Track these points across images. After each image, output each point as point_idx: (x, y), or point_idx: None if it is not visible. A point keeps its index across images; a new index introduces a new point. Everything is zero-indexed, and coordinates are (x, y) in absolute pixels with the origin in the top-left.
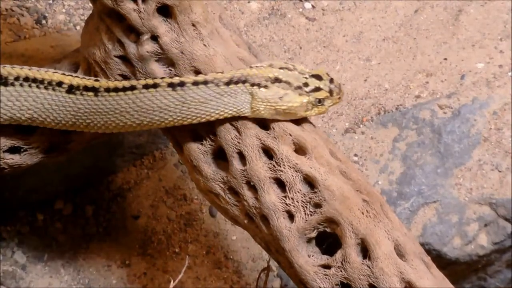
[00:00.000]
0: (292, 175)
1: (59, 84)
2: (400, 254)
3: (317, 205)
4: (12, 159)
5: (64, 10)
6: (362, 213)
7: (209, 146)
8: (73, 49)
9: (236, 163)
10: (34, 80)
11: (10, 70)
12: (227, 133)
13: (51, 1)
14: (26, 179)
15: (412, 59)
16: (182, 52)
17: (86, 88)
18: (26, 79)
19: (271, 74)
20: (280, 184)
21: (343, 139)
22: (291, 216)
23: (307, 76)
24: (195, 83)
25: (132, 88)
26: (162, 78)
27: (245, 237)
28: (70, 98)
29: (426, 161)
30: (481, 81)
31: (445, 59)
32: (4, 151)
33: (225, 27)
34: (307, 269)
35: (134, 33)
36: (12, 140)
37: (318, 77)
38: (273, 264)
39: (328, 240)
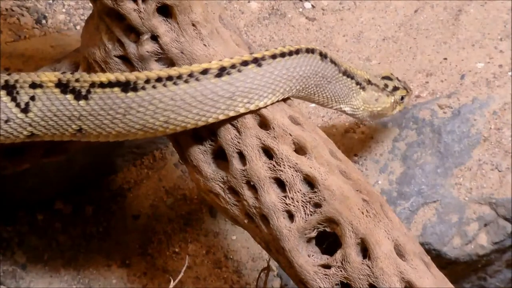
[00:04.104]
0: (292, 175)
1: (204, 72)
2: (400, 254)
3: (317, 205)
4: (12, 159)
5: (64, 10)
6: (362, 212)
7: (209, 146)
8: (73, 49)
9: (236, 163)
10: (169, 78)
11: (138, 74)
12: (227, 133)
13: (51, 1)
14: (26, 179)
15: (412, 59)
16: (182, 52)
17: (245, 63)
18: (159, 79)
19: (365, 76)
20: (280, 184)
21: (343, 139)
22: (291, 216)
23: (379, 78)
24: (323, 56)
25: (296, 51)
26: (301, 46)
27: (245, 237)
28: (222, 82)
29: (426, 161)
30: (481, 81)
31: (445, 59)
32: (4, 152)
33: (225, 27)
34: (307, 268)
35: (134, 33)
36: None
37: (388, 78)
38: (273, 264)
39: (328, 240)
